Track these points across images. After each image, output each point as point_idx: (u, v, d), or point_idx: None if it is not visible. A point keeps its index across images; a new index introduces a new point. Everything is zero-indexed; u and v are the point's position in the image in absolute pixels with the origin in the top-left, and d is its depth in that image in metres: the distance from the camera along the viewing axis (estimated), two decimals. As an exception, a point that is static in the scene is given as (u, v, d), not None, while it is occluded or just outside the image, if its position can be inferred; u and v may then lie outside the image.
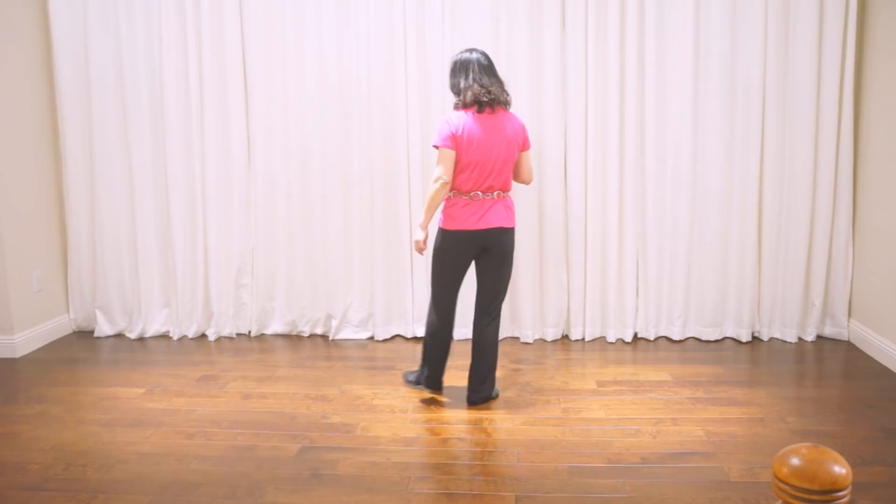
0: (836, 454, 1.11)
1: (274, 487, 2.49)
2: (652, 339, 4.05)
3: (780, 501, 1.12)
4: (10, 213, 3.88)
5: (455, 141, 2.94)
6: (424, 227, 3.05)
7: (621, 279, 4.02)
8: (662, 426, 2.92)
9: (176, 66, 4.02)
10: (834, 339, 3.99)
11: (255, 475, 2.58)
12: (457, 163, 2.97)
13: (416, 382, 3.35)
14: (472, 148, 2.95)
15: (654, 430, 2.89)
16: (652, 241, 3.98)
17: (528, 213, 3.95)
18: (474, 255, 3.09)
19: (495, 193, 3.03)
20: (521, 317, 4.06)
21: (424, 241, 3.07)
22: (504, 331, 4.11)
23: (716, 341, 4.01)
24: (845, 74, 3.74)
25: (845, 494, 1.08)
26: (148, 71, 4.06)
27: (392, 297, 4.13)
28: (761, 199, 3.91)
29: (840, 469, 1.08)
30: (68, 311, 4.37)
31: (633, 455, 2.67)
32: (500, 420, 3.01)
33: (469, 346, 3.17)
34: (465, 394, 3.24)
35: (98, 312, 4.29)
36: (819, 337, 4.02)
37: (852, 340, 3.93)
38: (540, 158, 3.92)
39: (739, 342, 3.98)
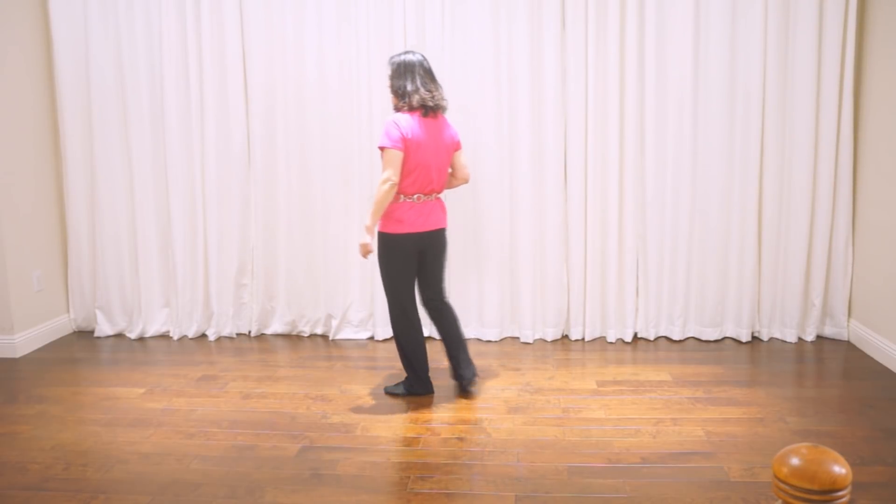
0: (836, 454, 1.11)
1: (274, 487, 2.49)
2: (652, 339, 4.05)
3: (779, 501, 1.12)
4: (10, 213, 3.88)
5: (404, 143, 2.97)
6: (372, 230, 3.04)
7: (621, 279, 4.02)
8: (662, 426, 2.92)
9: (176, 65, 4.02)
10: (834, 339, 3.99)
11: (255, 475, 2.58)
12: (403, 165, 3.00)
13: (406, 393, 3.27)
14: (418, 151, 3.00)
15: (654, 430, 2.89)
16: (652, 241, 3.98)
17: (527, 213, 3.95)
18: (418, 254, 3.14)
19: (434, 196, 3.12)
20: (521, 317, 4.06)
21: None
22: (504, 331, 4.11)
23: (716, 341, 4.01)
24: (845, 74, 3.74)
25: (845, 494, 1.08)
26: (148, 71, 4.06)
27: (392, 297, 4.12)
28: (761, 199, 3.91)
29: (840, 469, 1.08)
30: (68, 311, 4.38)
31: (633, 455, 2.67)
32: (500, 420, 3.01)
33: (432, 343, 3.23)
34: (463, 393, 3.25)
35: (98, 312, 4.29)
36: (819, 337, 4.02)
37: (852, 340, 3.93)
38: (540, 158, 3.92)
39: (739, 342, 3.98)
